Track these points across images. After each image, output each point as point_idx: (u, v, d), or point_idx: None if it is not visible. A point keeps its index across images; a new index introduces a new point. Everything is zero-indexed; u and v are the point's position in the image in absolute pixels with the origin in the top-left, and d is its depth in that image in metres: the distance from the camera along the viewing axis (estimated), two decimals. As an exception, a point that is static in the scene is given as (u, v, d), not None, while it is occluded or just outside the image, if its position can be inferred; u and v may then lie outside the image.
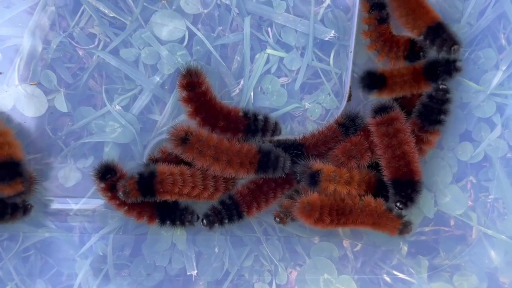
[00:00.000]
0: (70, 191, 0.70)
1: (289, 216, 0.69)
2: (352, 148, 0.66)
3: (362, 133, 0.68)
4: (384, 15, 0.68)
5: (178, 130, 0.63)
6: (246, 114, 0.65)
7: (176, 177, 0.61)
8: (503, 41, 0.68)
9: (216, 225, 0.66)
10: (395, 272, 0.71)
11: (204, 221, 0.65)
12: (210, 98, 0.63)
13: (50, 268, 0.67)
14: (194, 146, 0.62)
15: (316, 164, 0.65)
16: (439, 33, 0.68)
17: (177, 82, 0.66)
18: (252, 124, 0.64)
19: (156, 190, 0.60)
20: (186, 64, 0.67)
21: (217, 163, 0.62)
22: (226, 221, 0.67)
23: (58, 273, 0.68)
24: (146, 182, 0.60)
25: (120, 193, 0.61)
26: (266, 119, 0.65)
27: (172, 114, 0.68)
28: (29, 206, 0.64)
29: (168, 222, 0.67)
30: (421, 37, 0.69)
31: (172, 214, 0.66)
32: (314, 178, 0.64)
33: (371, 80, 0.68)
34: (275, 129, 0.66)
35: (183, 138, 0.63)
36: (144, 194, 0.61)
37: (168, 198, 0.63)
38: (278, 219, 0.68)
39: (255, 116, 0.64)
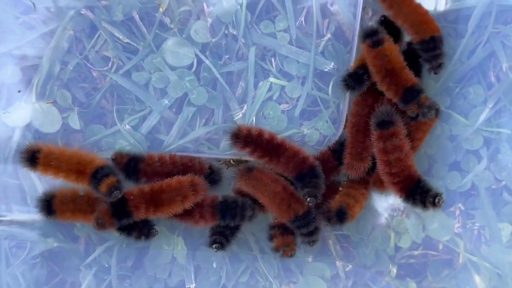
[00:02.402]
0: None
1: (290, 250, 0.69)
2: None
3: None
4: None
5: (244, 167, 0.68)
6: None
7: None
8: (493, 79, 0.70)
9: (225, 244, 0.68)
10: None
11: (214, 246, 0.67)
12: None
13: (55, 276, 0.70)
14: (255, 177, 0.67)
15: (333, 203, 0.67)
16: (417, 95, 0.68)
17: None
18: None
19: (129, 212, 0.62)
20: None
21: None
22: (230, 237, 0.69)
23: (62, 281, 0.70)
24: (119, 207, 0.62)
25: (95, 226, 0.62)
26: None
27: (178, 135, 0.70)
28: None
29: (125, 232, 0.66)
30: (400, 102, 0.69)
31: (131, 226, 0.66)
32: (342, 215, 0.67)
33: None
34: None
35: (249, 168, 0.68)
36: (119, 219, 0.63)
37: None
38: (284, 253, 0.69)
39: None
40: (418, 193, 0.67)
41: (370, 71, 0.69)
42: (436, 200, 0.66)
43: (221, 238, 0.68)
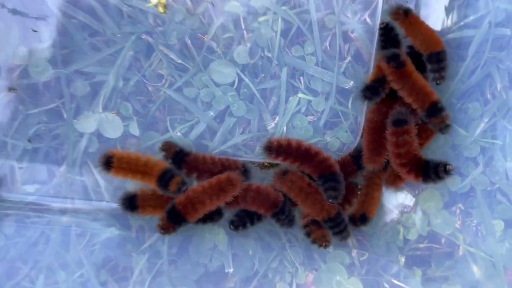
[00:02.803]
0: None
1: (326, 241, 0.74)
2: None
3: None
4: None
5: (280, 170, 0.73)
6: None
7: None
8: (489, 96, 0.74)
9: (240, 228, 0.73)
10: (394, 280, 0.77)
11: (231, 226, 0.73)
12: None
13: (110, 260, 0.75)
14: (290, 180, 0.72)
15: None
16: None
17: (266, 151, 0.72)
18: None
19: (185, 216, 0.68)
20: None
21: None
22: (248, 225, 0.74)
23: (116, 265, 0.75)
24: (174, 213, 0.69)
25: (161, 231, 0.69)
26: None
27: (220, 141, 0.76)
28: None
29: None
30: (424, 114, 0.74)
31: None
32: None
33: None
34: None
35: (284, 172, 0.73)
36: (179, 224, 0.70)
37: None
38: (320, 244, 0.74)
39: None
40: (431, 170, 0.72)
41: (395, 88, 0.73)
42: (448, 168, 0.71)
43: (239, 223, 0.73)
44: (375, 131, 0.75)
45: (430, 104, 0.71)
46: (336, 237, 0.74)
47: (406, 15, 0.74)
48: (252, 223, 0.74)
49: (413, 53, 0.76)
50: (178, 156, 0.72)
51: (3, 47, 0.72)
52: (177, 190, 0.66)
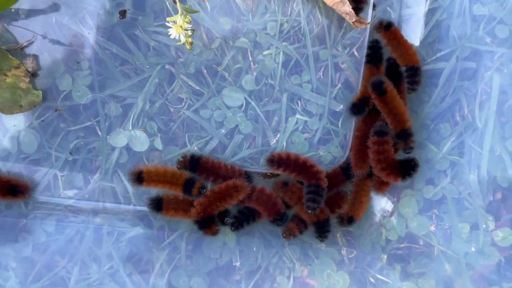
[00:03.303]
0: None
1: (292, 235, 0.78)
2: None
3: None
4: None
5: (280, 181, 0.77)
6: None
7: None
8: (458, 118, 0.78)
9: (239, 228, 0.76)
10: (377, 275, 0.79)
11: (231, 228, 0.76)
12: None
13: (134, 255, 0.77)
14: (291, 190, 0.77)
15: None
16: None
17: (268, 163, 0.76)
18: None
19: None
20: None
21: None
22: (245, 224, 0.76)
23: (140, 258, 0.77)
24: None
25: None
26: None
27: (230, 154, 0.79)
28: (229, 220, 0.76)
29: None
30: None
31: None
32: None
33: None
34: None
35: (285, 183, 0.77)
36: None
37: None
38: (284, 235, 0.78)
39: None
40: (404, 167, 0.76)
41: (378, 107, 0.76)
42: (414, 162, 0.76)
43: (236, 223, 0.76)
44: (360, 143, 0.78)
45: (401, 129, 0.75)
46: (317, 237, 0.79)
47: (387, 28, 0.77)
48: (248, 223, 0.77)
49: (393, 63, 0.79)
50: (193, 159, 0.75)
51: (50, 75, 0.74)
52: (199, 193, 0.72)
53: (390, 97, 0.75)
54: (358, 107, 0.79)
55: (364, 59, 0.80)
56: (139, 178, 0.73)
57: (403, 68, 0.79)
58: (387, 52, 0.81)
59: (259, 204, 0.76)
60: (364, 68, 0.80)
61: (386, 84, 0.75)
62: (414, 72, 0.78)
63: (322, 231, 0.78)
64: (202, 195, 0.73)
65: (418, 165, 0.76)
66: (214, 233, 0.76)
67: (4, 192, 0.73)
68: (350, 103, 0.79)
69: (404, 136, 0.76)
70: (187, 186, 0.73)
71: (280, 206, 0.77)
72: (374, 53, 0.79)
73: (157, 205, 0.75)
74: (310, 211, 0.74)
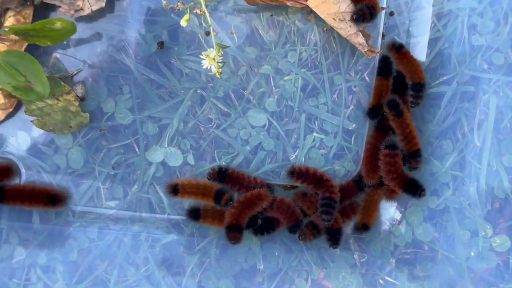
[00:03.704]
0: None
1: (307, 239, 0.82)
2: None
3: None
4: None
5: (300, 192, 0.81)
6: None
7: None
8: (459, 136, 0.81)
9: (261, 234, 0.80)
10: (387, 277, 0.83)
11: (255, 233, 0.80)
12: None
13: (167, 260, 0.80)
14: (310, 200, 0.81)
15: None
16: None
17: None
18: None
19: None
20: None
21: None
22: (265, 233, 0.80)
23: (171, 262, 0.80)
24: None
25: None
26: None
27: (254, 169, 0.83)
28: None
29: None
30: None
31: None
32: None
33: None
34: None
35: (304, 194, 0.82)
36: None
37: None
38: (301, 238, 0.82)
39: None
40: (413, 188, 0.79)
41: (393, 127, 0.80)
42: (421, 192, 0.79)
43: (260, 230, 0.80)
44: (372, 154, 0.83)
45: (413, 150, 0.80)
46: (329, 244, 0.82)
47: (399, 50, 0.82)
48: (268, 232, 0.81)
49: (400, 76, 0.83)
50: (221, 170, 0.79)
51: (96, 99, 0.79)
52: (225, 204, 0.76)
53: (405, 119, 0.80)
54: (373, 112, 0.84)
55: (372, 95, 0.85)
56: (175, 190, 0.78)
57: (409, 83, 0.83)
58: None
59: (280, 212, 0.81)
60: (375, 79, 0.84)
61: (401, 107, 0.79)
62: (420, 88, 0.82)
63: (334, 238, 0.82)
64: (229, 206, 0.77)
65: (423, 195, 0.79)
66: (239, 239, 0.80)
67: (47, 202, 0.78)
68: (367, 109, 0.84)
69: (416, 156, 0.80)
70: (218, 197, 0.77)
71: (299, 215, 0.82)
72: (385, 68, 0.84)
73: (195, 214, 0.80)
74: (324, 222, 0.78)
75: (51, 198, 0.77)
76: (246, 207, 0.78)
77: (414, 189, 0.79)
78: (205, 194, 0.78)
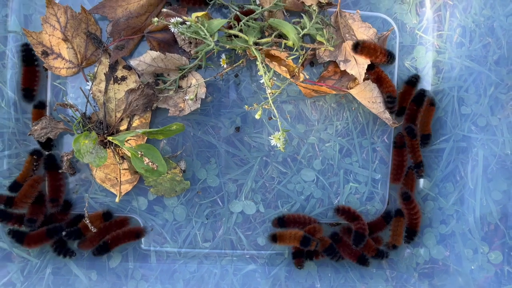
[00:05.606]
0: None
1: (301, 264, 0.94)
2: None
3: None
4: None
5: (343, 228, 0.97)
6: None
7: None
8: (458, 179, 0.93)
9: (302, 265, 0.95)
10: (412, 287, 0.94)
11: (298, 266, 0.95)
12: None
13: (247, 284, 0.94)
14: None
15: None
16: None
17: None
18: None
19: None
20: None
21: None
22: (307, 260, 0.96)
23: (250, 286, 0.93)
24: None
25: None
26: None
27: (307, 212, 1.00)
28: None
29: None
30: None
31: None
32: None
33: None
34: None
35: (347, 229, 0.97)
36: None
37: None
38: (299, 267, 0.95)
39: None
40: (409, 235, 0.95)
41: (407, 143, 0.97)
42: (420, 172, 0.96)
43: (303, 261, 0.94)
44: (398, 166, 0.98)
45: (417, 162, 0.97)
46: (360, 263, 0.95)
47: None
48: (311, 259, 0.96)
49: (420, 94, 0.96)
50: (280, 219, 0.96)
51: (192, 169, 0.99)
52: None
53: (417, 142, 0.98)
54: (400, 112, 0.99)
55: (391, 151, 1.00)
56: (274, 238, 0.94)
57: (420, 135, 0.98)
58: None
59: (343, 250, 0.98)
60: (392, 151, 1.01)
61: (416, 130, 0.97)
62: (427, 138, 0.98)
63: (363, 260, 0.97)
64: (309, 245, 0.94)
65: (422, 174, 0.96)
66: (303, 265, 0.98)
67: (133, 237, 0.97)
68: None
69: (419, 165, 0.98)
70: (304, 243, 0.93)
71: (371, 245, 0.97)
72: (399, 142, 0.99)
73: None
74: (354, 247, 0.94)
75: (136, 234, 0.97)
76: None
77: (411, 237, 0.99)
78: (295, 239, 0.94)
